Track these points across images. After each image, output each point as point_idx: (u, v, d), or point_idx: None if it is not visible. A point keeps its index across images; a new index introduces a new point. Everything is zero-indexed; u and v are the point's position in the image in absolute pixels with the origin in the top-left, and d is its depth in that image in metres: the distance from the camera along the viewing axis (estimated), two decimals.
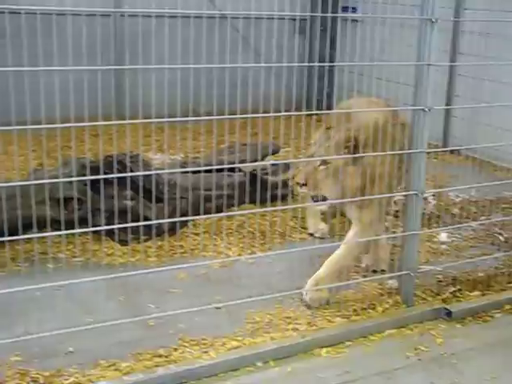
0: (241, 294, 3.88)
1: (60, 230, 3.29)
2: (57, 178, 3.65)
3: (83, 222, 4.23)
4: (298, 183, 3.90)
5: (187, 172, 4.64)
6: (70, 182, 3.88)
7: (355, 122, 3.88)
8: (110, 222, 4.11)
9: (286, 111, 3.51)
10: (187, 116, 3.31)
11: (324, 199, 3.91)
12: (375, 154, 3.77)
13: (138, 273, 3.47)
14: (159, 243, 4.69)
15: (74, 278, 3.24)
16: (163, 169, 5.05)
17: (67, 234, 3.44)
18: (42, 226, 3.73)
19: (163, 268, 3.70)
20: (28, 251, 4.20)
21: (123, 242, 4.57)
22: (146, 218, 4.48)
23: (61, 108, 3.06)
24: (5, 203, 3.80)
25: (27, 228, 3.63)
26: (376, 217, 4.00)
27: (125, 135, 3.46)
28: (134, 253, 4.49)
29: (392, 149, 3.84)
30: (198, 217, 4.17)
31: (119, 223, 3.48)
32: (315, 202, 3.97)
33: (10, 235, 3.05)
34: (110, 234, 4.51)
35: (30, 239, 3.70)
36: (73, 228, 3.65)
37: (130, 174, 3.84)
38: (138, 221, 3.51)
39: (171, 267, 3.71)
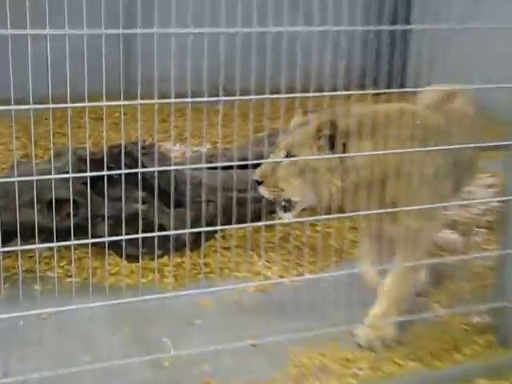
0: (283, 328, 3.85)
1: (51, 240, 3.29)
2: (47, 173, 3.66)
3: (80, 232, 4.25)
4: (254, 181, 3.85)
5: (215, 168, 4.63)
6: (65, 180, 3.89)
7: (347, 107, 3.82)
8: (114, 231, 4.11)
9: (345, 89, 3.48)
10: (217, 95, 3.29)
11: (290, 205, 3.84)
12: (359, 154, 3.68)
13: (150, 298, 3.46)
14: (178, 260, 4.70)
15: (67, 304, 3.24)
16: (184, 163, 5.05)
17: (60, 247, 3.45)
18: (27, 236, 3.75)
19: (183, 292, 3.70)
20: (9, 268, 4.23)
21: (132, 258, 4.59)
22: (162, 227, 4.48)
23: (53, 83, 3.07)
24: None
25: (8, 238, 3.65)
26: (423, 232, 3.92)
27: (135, 119, 3.46)
28: (145, 272, 4.51)
29: (421, 144, 3.74)
30: (228, 226, 4.14)
31: (127, 233, 3.48)
32: (283, 208, 3.89)
33: None
34: (114, 247, 4.52)
35: (11, 253, 3.73)
36: (67, 239, 3.66)
37: (141, 170, 3.83)
38: (151, 230, 3.51)
39: (193, 291, 3.70)
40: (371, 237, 4.17)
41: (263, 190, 3.81)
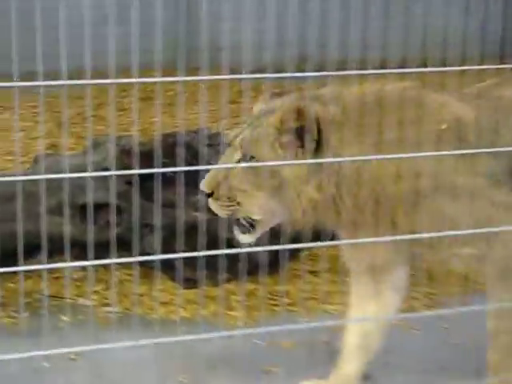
0: (388, 381, 3.84)
1: (84, 257, 3.34)
2: (81, 169, 3.71)
3: (123, 247, 4.30)
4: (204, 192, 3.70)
5: None
6: (104, 179, 3.94)
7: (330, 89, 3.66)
8: (167, 247, 4.15)
9: (468, 63, 3.45)
10: (303, 70, 3.30)
11: (251, 224, 3.73)
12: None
13: (212, 336, 3.47)
14: (250, 287, 4.71)
15: (103, 341, 3.27)
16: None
17: (96, 266, 3.49)
18: (53, 252, 3.81)
19: (256, 329, 3.71)
20: (30, 292, 4.30)
21: (189, 283, 4.62)
22: (230, 244, 4.51)
23: (93, 53, 3.11)
24: None
25: (30, 253, 3.71)
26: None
27: (196, 100, 3.48)
28: (207, 302, 4.54)
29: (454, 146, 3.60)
30: (316, 244, 4.15)
31: (183, 250, 3.50)
32: (241, 228, 3.77)
33: (1, 265, 3.13)
34: (166, 267, 4.56)
35: (33, 272, 3.78)
36: (106, 256, 3.71)
37: (204, 167, 3.86)
38: (215, 247, 3.53)
39: (269, 329, 3.71)
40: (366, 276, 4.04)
41: (213, 205, 3.67)
